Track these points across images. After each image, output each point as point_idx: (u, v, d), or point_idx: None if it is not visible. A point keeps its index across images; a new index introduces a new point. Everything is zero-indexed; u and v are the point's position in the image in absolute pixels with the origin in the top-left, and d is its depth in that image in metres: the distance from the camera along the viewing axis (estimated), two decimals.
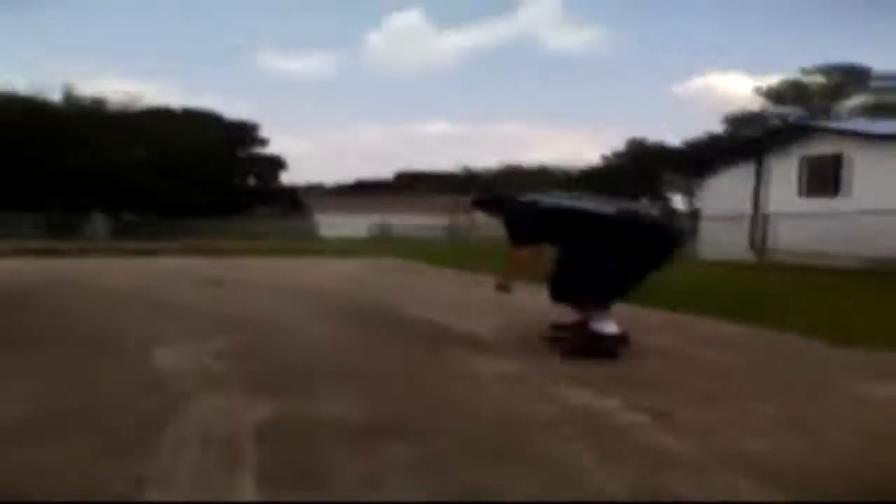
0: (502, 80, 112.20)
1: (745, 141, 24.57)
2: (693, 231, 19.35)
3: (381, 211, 46.94)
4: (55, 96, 41.44)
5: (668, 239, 4.59)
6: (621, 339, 4.39)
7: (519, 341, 4.95)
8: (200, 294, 8.13)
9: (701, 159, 30.28)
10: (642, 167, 66.29)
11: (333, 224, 44.04)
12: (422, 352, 4.58)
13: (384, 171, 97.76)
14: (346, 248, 23.09)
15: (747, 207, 18.04)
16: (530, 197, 4.76)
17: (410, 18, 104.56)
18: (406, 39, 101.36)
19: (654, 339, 5.04)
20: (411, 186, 66.80)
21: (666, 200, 66.30)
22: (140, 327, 5.52)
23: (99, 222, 31.25)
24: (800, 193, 16.95)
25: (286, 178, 63.22)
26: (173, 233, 30.42)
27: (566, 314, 4.77)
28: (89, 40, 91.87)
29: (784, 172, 17.32)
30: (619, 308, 5.56)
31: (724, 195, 19.26)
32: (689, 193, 65.25)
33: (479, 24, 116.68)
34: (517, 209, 4.65)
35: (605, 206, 4.56)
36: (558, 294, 4.60)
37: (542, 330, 4.91)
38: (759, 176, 18.09)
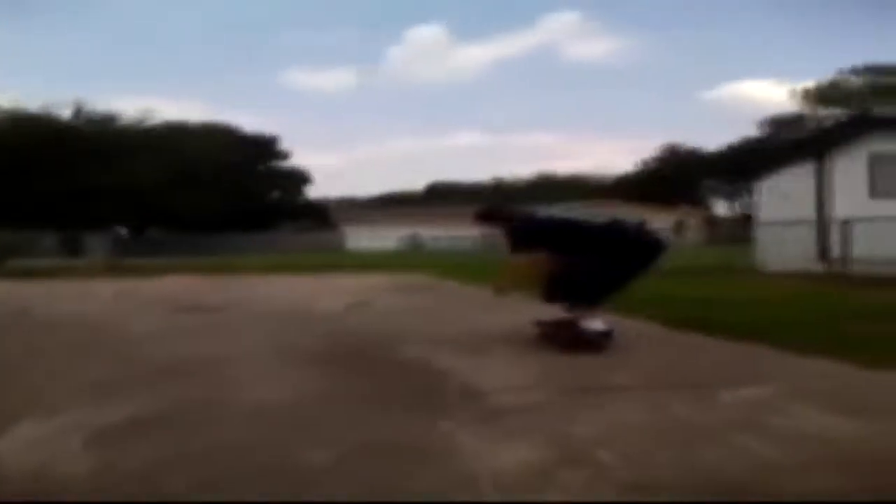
0: (528, 91, 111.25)
1: (803, 139, 22.57)
2: (748, 238, 17.45)
3: (412, 224, 45.51)
4: (65, 113, 41.08)
5: (650, 248, 4.98)
6: (606, 335, 4.74)
7: (548, 399, 3.48)
8: (164, 324, 6.80)
9: (748, 162, 28.32)
10: (678, 173, 64.09)
11: (363, 238, 42.74)
12: (411, 425, 3.08)
13: (415, 183, 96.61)
14: (370, 263, 21.81)
15: (807, 212, 16.16)
16: (527, 211, 5.53)
17: (432, 32, 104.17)
18: (428, 53, 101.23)
19: (745, 392, 3.52)
20: (443, 198, 65.54)
21: (706, 207, 63.98)
22: (43, 379, 4.18)
23: (110, 238, 29.93)
24: (870, 195, 15.05)
25: (314, 192, 62.37)
26: (188, 249, 29.30)
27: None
28: (107, 58, 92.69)
29: (849, 172, 15.45)
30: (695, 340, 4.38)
31: (781, 199, 17.40)
32: (731, 199, 62.73)
33: (500, 38, 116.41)
34: (514, 221, 5.14)
35: (594, 217, 5.11)
36: (551, 296, 4.96)
37: (574, 375, 4.07)
38: (821, 176, 16.22)
